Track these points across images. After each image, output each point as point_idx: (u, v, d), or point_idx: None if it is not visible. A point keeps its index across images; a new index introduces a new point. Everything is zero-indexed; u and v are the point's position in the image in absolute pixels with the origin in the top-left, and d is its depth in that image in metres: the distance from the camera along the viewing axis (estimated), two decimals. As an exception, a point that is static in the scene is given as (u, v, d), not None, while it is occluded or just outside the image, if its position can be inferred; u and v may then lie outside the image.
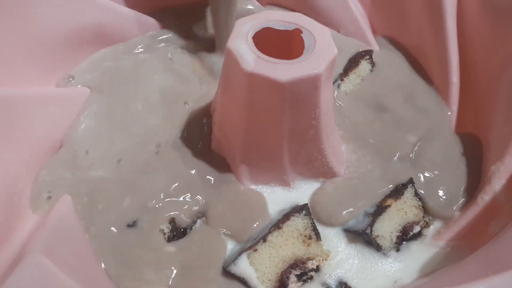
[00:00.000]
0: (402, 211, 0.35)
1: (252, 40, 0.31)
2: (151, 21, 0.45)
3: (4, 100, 0.33)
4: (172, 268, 0.31)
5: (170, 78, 0.42)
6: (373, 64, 0.44)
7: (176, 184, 0.35)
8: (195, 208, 0.34)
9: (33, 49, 0.37)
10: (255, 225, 0.33)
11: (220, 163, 0.36)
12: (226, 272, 0.31)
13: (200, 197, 0.34)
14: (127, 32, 0.44)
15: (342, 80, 0.42)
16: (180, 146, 0.37)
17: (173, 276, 0.31)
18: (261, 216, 0.34)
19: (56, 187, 0.34)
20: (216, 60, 0.43)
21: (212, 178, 0.35)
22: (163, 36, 0.45)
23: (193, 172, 0.35)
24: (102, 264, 0.31)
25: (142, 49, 0.44)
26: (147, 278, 0.31)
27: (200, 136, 0.38)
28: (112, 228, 0.32)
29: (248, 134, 0.33)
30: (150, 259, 0.32)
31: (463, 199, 0.36)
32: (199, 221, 0.34)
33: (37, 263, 0.24)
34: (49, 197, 0.34)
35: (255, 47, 0.30)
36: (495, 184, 0.33)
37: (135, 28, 0.44)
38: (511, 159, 0.33)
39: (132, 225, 0.33)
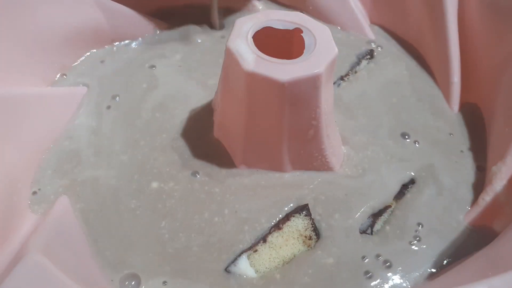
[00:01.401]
0: (403, 211, 0.35)
1: (252, 39, 0.31)
2: (152, 20, 0.45)
3: (3, 100, 0.33)
4: (172, 264, 0.31)
5: (171, 77, 0.42)
6: (372, 57, 0.44)
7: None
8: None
9: (33, 49, 0.37)
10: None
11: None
12: (226, 273, 0.31)
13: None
14: (127, 32, 0.44)
15: (342, 80, 0.42)
16: (181, 145, 0.37)
17: (173, 273, 0.31)
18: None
19: (55, 187, 0.34)
20: (218, 58, 0.43)
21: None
22: (164, 36, 0.45)
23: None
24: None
25: (142, 49, 0.44)
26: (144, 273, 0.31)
27: (202, 134, 0.38)
28: (113, 226, 0.33)
29: (248, 134, 0.33)
30: (149, 255, 0.32)
31: (464, 199, 0.35)
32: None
33: (36, 263, 0.24)
34: (48, 197, 0.34)
35: (255, 47, 0.30)
36: (496, 185, 0.33)
37: (135, 28, 0.44)
38: (512, 159, 0.33)
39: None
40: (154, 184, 0.35)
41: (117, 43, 0.44)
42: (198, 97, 0.40)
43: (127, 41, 0.44)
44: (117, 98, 0.39)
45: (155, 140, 0.37)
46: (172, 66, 0.43)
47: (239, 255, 0.31)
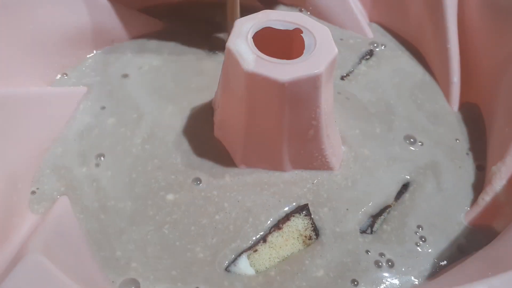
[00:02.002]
0: (403, 211, 0.35)
1: (252, 40, 0.31)
2: (152, 21, 0.45)
3: (3, 100, 0.33)
4: (172, 265, 0.31)
5: (171, 77, 0.42)
6: (372, 57, 0.44)
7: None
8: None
9: (32, 49, 0.37)
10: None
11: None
12: (226, 272, 0.31)
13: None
14: (127, 32, 0.44)
15: (342, 80, 0.42)
16: (181, 145, 0.37)
17: (172, 274, 0.31)
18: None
19: (55, 187, 0.34)
20: (219, 57, 0.43)
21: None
22: (164, 36, 0.45)
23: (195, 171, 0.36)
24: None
25: (143, 49, 0.44)
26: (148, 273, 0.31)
27: (202, 134, 0.37)
28: (113, 225, 0.33)
29: (248, 134, 0.33)
30: (150, 257, 0.31)
31: (464, 199, 0.35)
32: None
33: (36, 263, 0.24)
34: (48, 197, 0.34)
35: (255, 47, 0.30)
36: (496, 185, 0.33)
37: (135, 28, 0.44)
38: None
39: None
40: (169, 196, 0.34)
41: (118, 44, 0.44)
42: (200, 98, 0.40)
43: (128, 42, 0.44)
44: (117, 99, 0.39)
45: (155, 141, 0.37)
46: (174, 67, 0.43)
47: (239, 255, 0.31)
